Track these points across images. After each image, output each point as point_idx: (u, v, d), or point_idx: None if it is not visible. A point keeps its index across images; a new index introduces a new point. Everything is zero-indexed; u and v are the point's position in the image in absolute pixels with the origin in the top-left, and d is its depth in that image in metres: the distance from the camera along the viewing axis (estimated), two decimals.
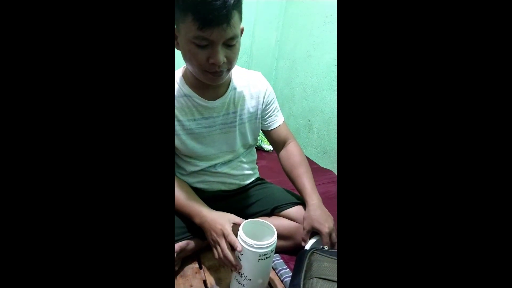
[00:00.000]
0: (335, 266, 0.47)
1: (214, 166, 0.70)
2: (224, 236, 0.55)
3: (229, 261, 0.54)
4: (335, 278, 0.44)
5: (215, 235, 0.56)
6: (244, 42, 1.84)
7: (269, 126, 0.75)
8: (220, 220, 0.57)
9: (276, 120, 0.75)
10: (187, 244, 0.64)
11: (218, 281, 0.62)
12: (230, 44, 0.53)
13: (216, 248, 0.56)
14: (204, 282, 0.62)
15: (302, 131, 1.64)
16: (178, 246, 0.62)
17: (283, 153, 0.78)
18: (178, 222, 0.65)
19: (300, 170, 0.74)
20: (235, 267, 0.54)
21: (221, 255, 0.55)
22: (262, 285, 0.56)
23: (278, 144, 0.78)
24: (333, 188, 1.20)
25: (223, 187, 0.74)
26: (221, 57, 0.52)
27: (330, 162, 1.43)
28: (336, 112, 1.38)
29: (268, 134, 0.77)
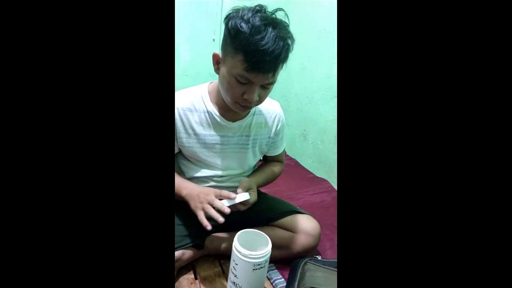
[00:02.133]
0: (328, 275, 0.48)
1: (220, 177, 0.72)
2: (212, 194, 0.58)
3: (218, 205, 0.55)
4: (323, 284, 0.45)
5: (203, 196, 0.58)
6: None
7: (269, 152, 0.79)
8: (207, 189, 0.62)
9: (277, 149, 0.80)
10: (182, 254, 0.65)
11: None
12: (266, 86, 0.58)
13: (204, 206, 0.56)
14: None
15: (297, 140, 1.67)
16: (176, 255, 0.62)
17: (263, 164, 0.84)
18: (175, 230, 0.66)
19: (262, 167, 0.81)
20: (224, 209, 0.55)
21: (209, 204, 0.56)
22: None
23: (266, 160, 0.84)
24: (328, 198, 1.21)
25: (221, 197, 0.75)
26: (256, 96, 0.57)
27: (325, 172, 1.45)
28: (331, 122, 1.41)
29: (264, 156, 0.81)
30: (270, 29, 0.50)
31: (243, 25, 0.50)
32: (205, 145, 0.68)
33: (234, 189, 0.75)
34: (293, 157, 1.67)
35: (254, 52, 0.50)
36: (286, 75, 1.82)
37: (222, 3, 1.71)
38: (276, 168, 0.81)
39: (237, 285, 0.55)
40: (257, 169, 0.80)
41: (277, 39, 0.50)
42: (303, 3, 1.66)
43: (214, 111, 0.65)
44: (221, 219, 0.54)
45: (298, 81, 1.66)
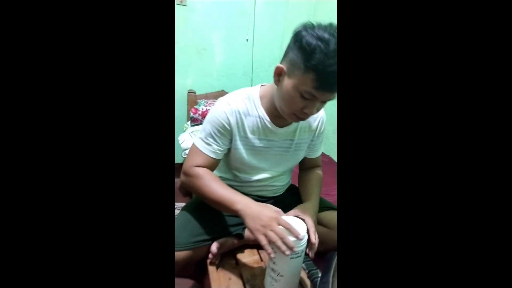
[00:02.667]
0: None
1: (258, 181, 0.77)
2: (276, 222, 0.55)
3: (287, 243, 0.52)
4: None
5: (266, 220, 0.55)
6: (273, 53, 1.91)
7: (308, 155, 0.81)
8: (268, 209, 0.58)
9: (316, 152, 0.82)
10: (225, 242, 0.72)
11: (253, 276, 0.68)
12: (326, 101, 0.60)
13: (268, 235, 0.54)
14: (241, 276, 0.69)
15: (332, 136, 1.66)
16: (218, 242, 0.70)
17: (304, 172, 0.85)
18: (215, 221, 0.73)
19: (312, 184, 0.80)
20: (291, 249, 0.53)
21: (277, 238, 0.53)
22: (294, 283, 0.61)
23: (304, 167, 0.85)
24: None
25: (259, 194, 0.80)
26: (315, 111, 0.61)
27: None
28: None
29: (302, 161, 0.83)
30: None
31: (320, 45, 0.51)
32: (253, 148, 0.71)
33: (272, 187, 0.80)
34: (327, 153, 1.66)
35: (328, 73, 0.52)
36: None
37: (255, 2, 1.75)
38: (318, 175, 0.83)
39: (276, 272, 0.60)
40: (306, 189, 0.78)
41: None
42: None
43: (266, 116, 0.68)
44: (288, 253, 0.52)
45: None
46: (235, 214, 0.60)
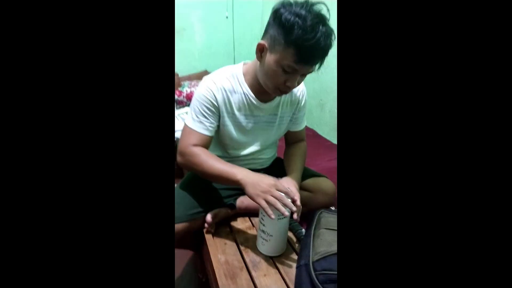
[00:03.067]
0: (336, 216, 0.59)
1: (246, 155, 0.81)
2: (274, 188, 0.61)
3: (286, 204, 0.59)
4: (336, 227, 0.55)
5: (265, 186, 0.61)
6: (253, 29, 1.89)
7: (292, 128, 0.85)
8: (266, 177, 0.64)
9: (299, 125, 0.86)
10: (219, 212, 0.78)
11: (246, 240, 0.76)
12: (306, 74, 0.64)
13: (268, 200, 0.59)
14: (235, 240, 0.76)
15: (315, 110, 1.71)
16: (212, 213, 0.76)
17: (289, 147, 0.89)
18: (208, 194, 0.79)
19: (296, 157, 0.83)
20: (295, 208, 0.59)
21: (276, 201, 0.58)
22: (282, 241, 0.70)
23: (290, 141, 0.89)
24: None
25: (247, 167, 0.86)
26: (296, 84, 0.64)
27: None
28: None
29: (287, 134, 0.87)
30: (321, 27, 0.56)
31: (298, 21, 0.54)
32: (240, 124, 0.74)
33: (259, 160, 0.85)
34: (311, 127, 1.73)
35: (307, 47, 0.55)
36: None
37: None
38: (303, 148, 0.86)
39: (266, 233, 0.67)
40: (290, 162, 0.82)
41: (326, 36, 0.57)
42: None
43: (250, 93, 0.71)
44: (286, 213, 0.58)
45: None
46: (236, 184, 0.65)
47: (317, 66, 0.62)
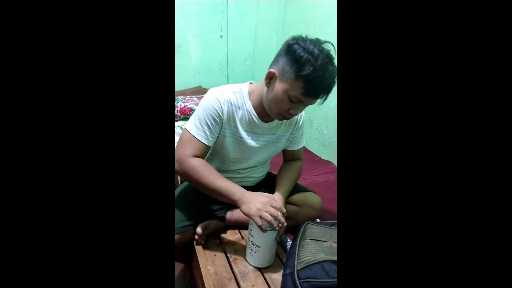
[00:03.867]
0: (324, 230, 0.62)
1: (244, 169, 0.85)
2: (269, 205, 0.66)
3: (279, 219, 0.64)
4: (322, 239, 0.59)
5: (259, 204, 0.66)
6: (247, 48, 1.98)
7: (289, 147, 0.89)
8: (261, 196, 0.69)
9: (296, 144, 0.90)
10: (209, 224, 0.81)
11: (235, 251, 0.78)
12: (308, 105, 0.69)
13: (264, 216, 0.64)
14: (225, 252, 0.78)
15: (304, 127, 1.78)
16: (202, 225, 0.79)
17: (285, 164, 0.93)
18: (198, 207, 0.81)
19: (288, 173, 0.88)
20: (283, 223, 0.65)
21: (271, 217, 0.64)
22: (269, 252, 0.72)
23: (286, 158, 0.94)
24: (332, 177, 1.34)
25: (240, 184, 0.89)
26: (298, 112, 0.70)
27: (330, 154, 1.57)
28: (334, 108, 1.51)
29: (284, 150, 0.91)
30: (329, 67, 0.63)
31: (311, 58, 0.61)
32: (239, 138, 0.77)
33: (252, 178, 0.88)
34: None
35: (315, 83, 0.62)
36: None
37: (227, 0, 1.80)
38: (297, 167, 0.90)
39: (254, 244, 0.70)
40: (281, 178, 0.85)
41: (333, 75, 0.64)
42: None
43: (253, 111, 0.75)
44: (276, 226, 0.64)
45: None
46: (232, 202, 0.69)
47: (319, 100, 0.68)
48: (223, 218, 0.85)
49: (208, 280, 0.68)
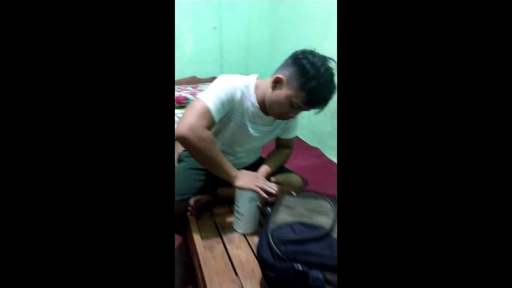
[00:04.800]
0: (295, 200, 0.74)
1: (239, 152, 0.95)
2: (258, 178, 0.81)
3: (270, 186, 0.78)
4: (294, 206, 0.70)
5: (254, 178, 0.80)
6: (240, 40, 2.05)
7: (281, 134, 0.99)
8: (251, 173, 0.83)
9: (289, 133, 0.99)
10: (201, 197, 0.92)
11: (224, 221, 0.90)
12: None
13: (257, 185, 0.77)
14: (215, 222, 0.90)
15: (297, 118, 1.88)
16: (195, 198, 0.90)
17: (275, 148, 1.04)
18: (191, 183, 0.92)
19: (275, 157, 0.99)
20: (274, 190, 0.77)
21: (263, 186, 0.77)
22: (252, 221, 0.84)
23: (278, 145, 1.04)
24: (318, 162, 1.46)
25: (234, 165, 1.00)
26: (296, 115, 0.81)
27: (317, 141, 1.68)
28: None
29: (277, 137, 1.00)
30: (331, 84, 0.72)
31: (317, 74, 0.70)
32: (241, 124, 0.86)
33: (246, 162, 0.98)
34: None
35: (317, 97, 0.73)
36: (282, 56, 1.99)
37: None
38: (284, 153, 1.00)
39: (239, 213, 0.81)
40: (269, 158, 0.97)
41: (332, 91, 0.74)
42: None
43: (256, 104, 0.83)
44: (273, 191, 0.76)
45: None
46: (227, 177, 0.78)
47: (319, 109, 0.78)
48: (214, 193, 0.96)
49: (199, 242, 0.80)
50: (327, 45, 1.53)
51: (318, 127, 1.68)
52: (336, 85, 0.74)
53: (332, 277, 0.55)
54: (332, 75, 0.73)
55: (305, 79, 0.71)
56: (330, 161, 1.51)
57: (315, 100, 0.75)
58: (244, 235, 0.84)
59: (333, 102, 1.56)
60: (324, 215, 0.66)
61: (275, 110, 0.80)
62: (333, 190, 1.19)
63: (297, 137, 1.80)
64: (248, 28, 2.04)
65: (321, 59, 0.72)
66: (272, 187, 0.78)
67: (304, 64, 0.71)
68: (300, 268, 0.57)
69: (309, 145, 1.69)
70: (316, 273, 0.56)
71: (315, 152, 1.58)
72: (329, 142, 1.57)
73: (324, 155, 1.56)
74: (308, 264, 0.57)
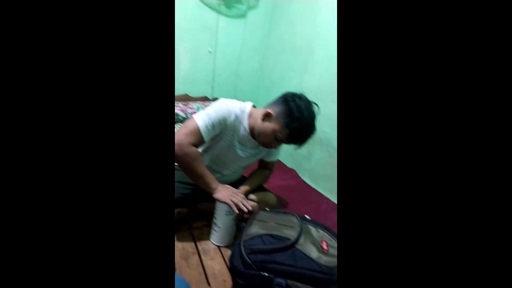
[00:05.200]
0: (268, 215, 0.82)
1: (225, 170, 1.02)
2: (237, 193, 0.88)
3: (245, 204, 0.84)
4: (266, 220, 0.79)
5: (233, 193, 0.87)
6: (232, 65, 2.21)
7: (265, 157, 1.08)
8: (231, 188, 0.90)
9: (271, 157, 1.09)
10: (181, 211, 0.98)
11: (200, 234, 0.95)
12: None
13: (233, 200, 0.83)
14: (192, 234, 0.95)
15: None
16: (176, 211, 0.95)
17: (257, 169, 1.14)
18: (177, 195, 0.98)
19: (255, 176, 1.09)
20: (248, 208, 0.83)
21: (240, 201, 0.84)
22: (228, 233, 0.90)
23: (260, 167, 1.14)
24: (293, 182, 1.56)
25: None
26: (279, 147, 0.93)
27: (294, 163, 1.80)
28: None
29: (261, 159, 1.09)
30: (311, 126, 0.84)
31: (301, 118, 0.81)
32: (231, 146, 0.94)
33: (230, 181, 1.05)
34: None
35: (298, 135, 0.85)
36: (269, 83, 2.16)
37: (218, 20, 2.03)
38: (264, 174, 1.10)
39: (216, 225, 0.88)
40: (249, 178, 1.06)
41: (312, 131, 0.86)
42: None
43: (247, 129, 0.92)
44: (246, 210, 0.83)
45: (278, 89, 1.98)
46: (208, 189, 0.87)
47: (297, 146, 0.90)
48: (195, 207, 1.02)
49: (176, 252, 0.85)
50: (307, 77, 1.70)
51: (295, 151, 1.80)
52: (315, 127, 0.87)
53: (293, 283, 0.63)
54: (313, 118, 0.85)
55: (290, 119, 0.83)
56: (304, 182, 1.62)
57: (296, 138, 0.87)
58: (219, 248, 0.90)
59: None
60: (291, 229, 0.75)
61: (261, 139, 0.90)
62: (304, 208, 1.29)
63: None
64: (240, 55, 2.20)
65: (306, 103, 0.84)
66: (246, 205, 0.85)
67: (291, 106, 0.83)
68: (267, 275, 0.64)
69: (287, 166, 1.80)
70: (279, 280, 0.63)
71: (291, 174, 1.68)
72: (304, 164, 1.69)
73: (299, 177, 1.67)
74: (274, 272, 0.64)
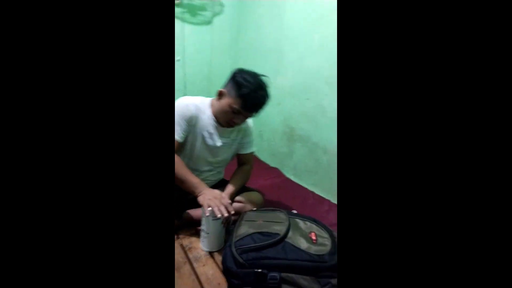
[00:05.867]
0: (256, 214, 0.83)
1: (205, 170, 1.03)
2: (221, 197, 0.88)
3: (227, 207, 0.84)
4: (254, 219, 0.79)
5: (214, 197, 0.86)
6: (203, 70, 2.20)
7: (240, 150, 1.11)
8: (216, 192, 0.90)
9: (246, 149, 1.11)
10: None
11: (190, 242, 0.94)
12: (248, 116, 0.94)
13: (216, 204, 0.83)
14: (181, 244, 0.93)
15: (256, 139, 2.01)
16: None
17: (237, 168, 1.15)
18: None
19: (237, 177, 1.10)
20: (230, 211, 0.83)
21: (216, 205, 0.83)
22: (217, 238, 0.89)
23: (239, 162, 1.16)
24: (277, 181, 1.59)
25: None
26: (241, 121, 0.95)
27: (276, 162, 1.83)
28: (279, 122, 1.78)
29: (237, 155, 1.13)
30: (260, 91, 0.90)
31: (247, 84, 0.87)
32: (203, 139, 0.97)
33: (209, 181, 1.06)
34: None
35: (250, 101, 0.89)
36: None
37: (183, 27, 2.02)
38: (245, 170, 1.12)
39: (204, 231, 0.87)
40: (231, 180, 1.07)
41: (263, 97, 0.91)
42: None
43: (212, 117, 0.97)
44: (226, 214, 0.82)
45: None
46: (193, 192, 0.90)
47: (254, 113, 0.95)
48: (180, 217, 1.00)
49: None
50: (280, 78, 1.74)
51: (277, 149, 1.83)
52: (269, 94, 0.92)
53: (287, 275, 0.64)
54: (261, 85, 0.91)
55: (239, 88, 0.89)
56: (288, 179, 1.65)
57: (250, 105, 0.90)
58: (210, 253, 0.89)
59: (284, 127, 1.73)
60: (280, 224, 0.76)
61: (222, 118, 0.94)
62: (290, 204, 1.32)
63: (258, 159, 1.95)
64: (211, 61, 2.20)
65: (252, 74, 0.91)
66: (223, 210, 0.83)
67: (238, 78, 0.90)
68: (260, 271, 0.65)
69: (269, 165, 1.82)
70: (273, 274, 0.64)
71: (275, 172, 1.71)
72: (286, 162, 1.72)
73: (283, 174, 1.70)
74: (267, 267, 0.65)
